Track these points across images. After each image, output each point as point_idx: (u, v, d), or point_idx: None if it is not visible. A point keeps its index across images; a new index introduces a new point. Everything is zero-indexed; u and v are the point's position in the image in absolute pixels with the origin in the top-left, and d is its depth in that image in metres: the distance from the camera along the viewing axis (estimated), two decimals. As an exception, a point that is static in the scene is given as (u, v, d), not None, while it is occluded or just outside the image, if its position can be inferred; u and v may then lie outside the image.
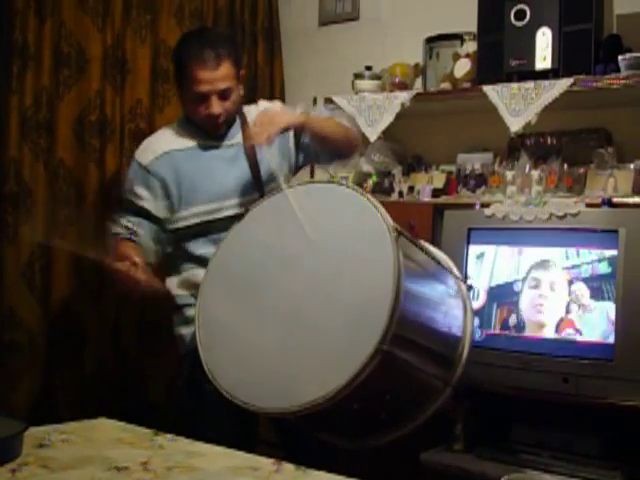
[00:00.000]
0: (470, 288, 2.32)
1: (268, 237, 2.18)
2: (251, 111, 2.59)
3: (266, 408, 1.96)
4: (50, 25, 3.09)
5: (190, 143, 2.53)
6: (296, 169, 2.67)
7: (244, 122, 2.56)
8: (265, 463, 1.70)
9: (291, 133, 2.57)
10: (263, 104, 2.69)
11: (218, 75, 2.41)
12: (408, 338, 1.97)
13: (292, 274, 2.08)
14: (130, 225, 2.47)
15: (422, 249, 2.20)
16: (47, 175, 3.11)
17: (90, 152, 3.23)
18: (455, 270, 2.34)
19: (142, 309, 3.32)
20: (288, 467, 1.67)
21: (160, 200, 2.49)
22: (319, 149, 2.59)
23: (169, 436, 1.89)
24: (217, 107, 2.43)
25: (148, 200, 2.49)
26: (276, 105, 2.69)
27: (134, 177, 2.52)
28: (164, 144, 2.53)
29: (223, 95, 2.44)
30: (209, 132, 2.52)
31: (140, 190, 2.49)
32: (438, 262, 2.26)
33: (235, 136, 2.55)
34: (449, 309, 2.22)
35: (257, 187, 2.50)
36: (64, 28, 3.15)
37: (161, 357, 3.33)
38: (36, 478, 1.54)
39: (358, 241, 2.02)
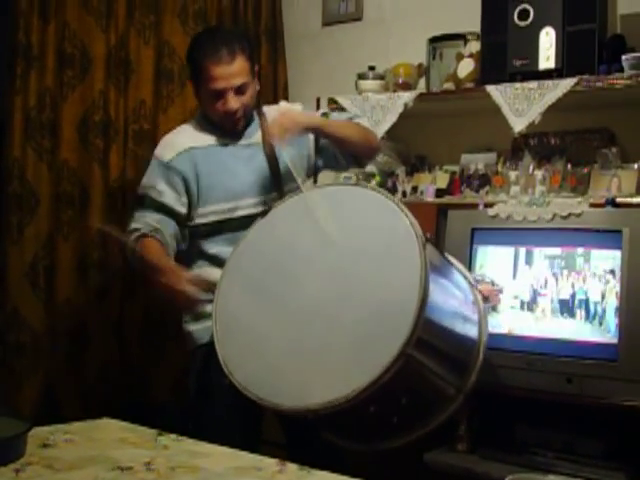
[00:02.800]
0: (486, 300, 2.31)
1: (290, 236, 2.18)
2: (271, 112, 2.59)
3: (283, 405, 1.94)
4: (54, 26, 3.10)
5: (209, 141, 2.52)
6: (315, 172, 2.68)
7: (263, 121, 2.55)
8: (269, 463, 1.70)
9: (311, 136, 2.57)
10: (284, 105, 2.69)
11: (233, 70, 2.41)
12: (429, 342, 1.96)
13: (313, 274, 2.07)
14: (153, 222, 2.43)
15: (443, 255, 2.20)
16: (51, 176, 3.12)
17: (94, 153, 3.23)
18: (470, 276, 2.34)
19: (146, 309, 3.32)
20: (292, 467, 1.67)
21: (181, 196, 2.47)
22: (338, 152, 2.59)
23: (173, 436, 1.89)
24: (234, 102, 2.43)
25: (170, 196, 2.46)
26: (296, 107, 2.69)
27: (154, 174, 2.50)
28: (184, 141, 2.52)
29: (239, 90, 2.44)
30: (228, 129, 2.51)
31: (162, 186, 2.47)
32: (456, 268, 2.26)
33: (254, 135, 2.55)
34: (467, 315, 2.21)
35: (276, 186, 2.50)
36: (68, 29, 3.15)
37: (165, 357, 3.34)
38: (40, 478, 1.55)
39: (383, 243, 2.01)
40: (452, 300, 2.20)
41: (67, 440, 1.82)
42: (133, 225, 2.45)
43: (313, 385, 1.93)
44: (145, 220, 2.44)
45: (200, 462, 1.69)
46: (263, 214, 2.31)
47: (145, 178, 2.53)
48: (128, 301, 3.30)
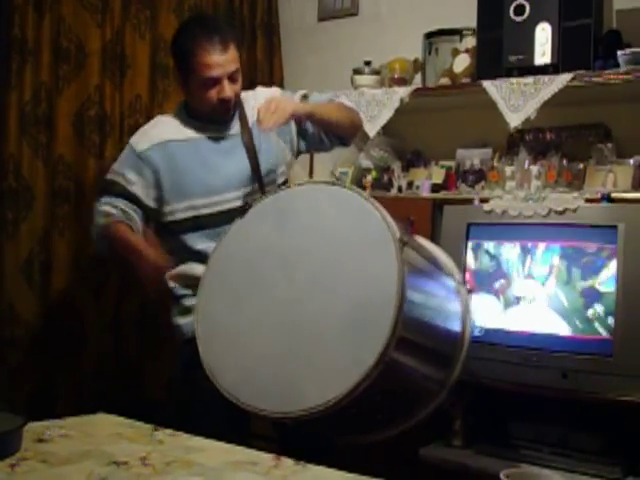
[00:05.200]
0: (470, 292, 2.31)
1: (270, 236, 2.15)
2: (248, 98, 2.56)
3: (263, 410, 1.93)
4: (49, 20, 3.09)
5: (188, 134, 2.50)
6: (297, 155, 2.67)
7: (241, 111, 2.53)
8: (264, 458, 1.70)
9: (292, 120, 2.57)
10: (260, 90, 2.67)
11: (228, 58, 2.40)
12: (409, 341, 1.95)
13: (293, 275, 2.05)
14: (125, 207, 2.44)
15: (423, 254, 2.18)
16: (46, 171, 3.11)
17: (90, 147, 3.22)
18: (456, 271, 2.33)
19: (142, 305, 3.32)
20: (287, 462, 1.67)
21: (150, 189, 2.46)
22: (323, 133, 2.59)
23: (168, 431, 1.89)
24: (229, 90, 2.42)
25: (139, 186, 2.46)
26: (276, 91, 2.66)
27: (126, 161, 2.49)
28: (161, 133, 2.50)
29: (232, 78, 2.43)
30: (218, 119, 2.49)
31: (131, 175, 2.46)
32: (439, 265, 2.25)
33: (234, 126, 2.53)
34: (449, 313, 2.20)
35: (256, 179, 2.48)
36: (63, 23, 3.14)
37: (160, 353, 3.33)
38: (35, 473, 1.55)
39: (361, 247, 1.98)
40: (433, 298, 2.18)
41: (62, 435, 1.82)
42: (103, 208, 2.45)
43: (293, 391, 1.91)
44: (115, 204, 2.45)
45: (195, 457, 1.69)
46: (242, 213, 2.27)
47: (116, 164, 2.52)
48: (124, 297, 3.30)
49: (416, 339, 2.02)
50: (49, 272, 3.11)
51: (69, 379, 3.13)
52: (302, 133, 2.61)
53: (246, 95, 2.58)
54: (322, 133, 2.59)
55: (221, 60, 2.39)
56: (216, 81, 2.41)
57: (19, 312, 3.02)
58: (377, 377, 1.82)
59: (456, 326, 2.19)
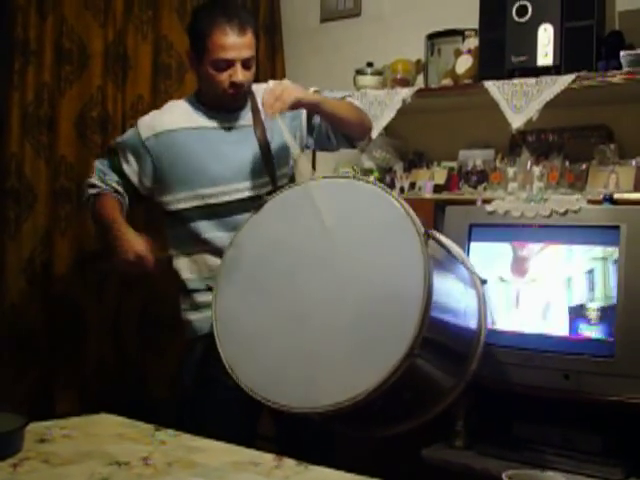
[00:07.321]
0: (484, 282, 2.29)
1: (286, 232, 2.14)
2: (260, 90, 2.51)
3: (289, 406, 1.93)
4: (51, 21, 3.09)
5: (198, 122, 2.48)
6: (302, 151, 2.63)
7: (254, 103, 2.51)
8: (266, 458, 1.70)
9: (304, 114, 2.54)
10: (272, 82, 2.64)
11: (245, 42, 2.38)
12: (432, 339, 1.94)
13: (311, 271, 2.05)
14: (119, 188, 2.51)
15: (443, 246, 2.15)
16: (48, 171, 3.11)
17: (92, 148, 3.22)
18: (467, 261, 2.32)
19: (144, 304, 3.32)
20: (289, 462, 1.67)
21: (146, 177, 2.49)
22: (331, 131, 2.57)
23: (170, 431, 1.89)
24: (241, 75, 2.39)
25: (133, 170, 2.50)
26: (286, 82, 2.65)
27: (129, 142, 2.52)
28: (169, 121, 2.49)
29: (246, 64, 2.40)
30: (226, 105, 2.47)
31: (131, 157, 2.50)
32: (456, 258, 2.23)
33: (245, 117, 2.51)
34: (467, 305, 2.19)
35: (268, 170, 2.46)
36: (65, 24, 3.15)
37: (162, 352, 3.34)
38: (37, 473, 1.55)
39: (383, 239, 1.98)
40: (454, 293, 2.18)
41: (64, 435, 1.82)
42: (96, 181, 2.53)
43: (319, 386, 1.92)
44: (107, 181, 2.52)
45: (197, 457, 1.69)
46: (256, 208, 2.26)
47: (124, 136, 2.59)
48: (126, 296, 3.30)
49: (438, 336, 2.02)
50: (51, 272, 3.11)
51: (70, 379, 3.14)
52: (311, 129, 2.59)
53: (258, 87, 2.55)
54: (330, 131, 2.57)
55: (237, 43, 2.37)
56: (229, 64, 2.38)
57: (21, 311, 3.02)
58: (403, 371, 1.82)
59: (473, 321, 2.19)
